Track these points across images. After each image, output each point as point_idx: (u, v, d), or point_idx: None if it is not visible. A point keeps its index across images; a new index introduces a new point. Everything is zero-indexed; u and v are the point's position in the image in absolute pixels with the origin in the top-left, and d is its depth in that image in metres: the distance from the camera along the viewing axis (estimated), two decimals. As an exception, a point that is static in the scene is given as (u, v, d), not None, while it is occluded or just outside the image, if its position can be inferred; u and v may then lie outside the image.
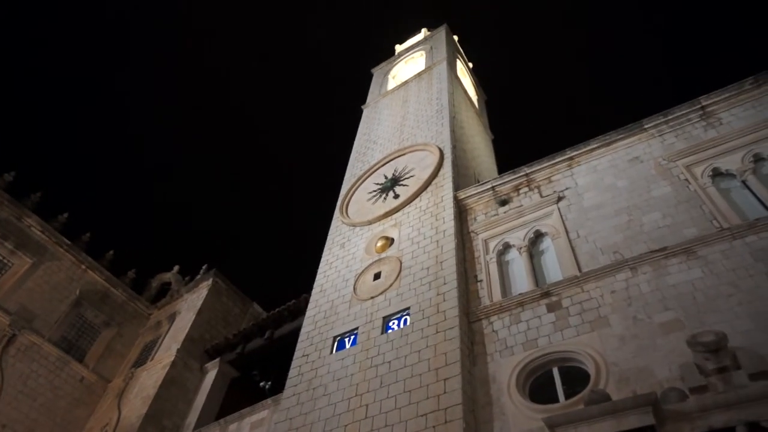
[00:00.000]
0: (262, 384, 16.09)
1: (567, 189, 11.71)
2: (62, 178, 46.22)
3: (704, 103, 10.82)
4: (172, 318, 18.36)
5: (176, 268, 21.03)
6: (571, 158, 12.14)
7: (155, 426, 14.36)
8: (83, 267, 18.74)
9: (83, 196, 45.70)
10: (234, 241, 54.29)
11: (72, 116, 51.72)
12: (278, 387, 14.81)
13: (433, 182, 14.24)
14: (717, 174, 9.88)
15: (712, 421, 6.37)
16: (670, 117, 11.10)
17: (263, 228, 58.24)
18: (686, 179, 9.99)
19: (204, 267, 19.74)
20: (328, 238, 15.30)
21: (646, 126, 11.33)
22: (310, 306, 13.22)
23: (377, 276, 12.53)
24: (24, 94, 48.53)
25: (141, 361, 17.43)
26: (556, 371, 8.71)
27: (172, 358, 15.83)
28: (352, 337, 11.52)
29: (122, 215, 49.04)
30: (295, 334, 14.58)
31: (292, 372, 11.54)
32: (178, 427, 14.71)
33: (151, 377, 15.86)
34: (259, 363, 16.20)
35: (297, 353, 11.98)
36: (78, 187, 47.28)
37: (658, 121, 11.19)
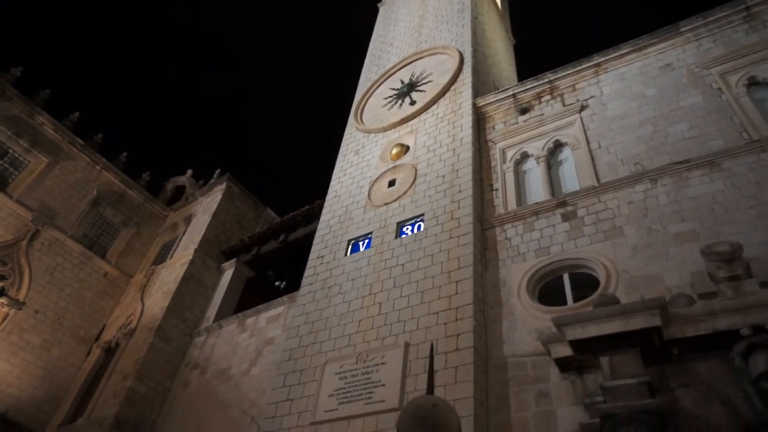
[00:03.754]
0: (276, 284, 16.74)
1: (591, 98, 11.30)
2: (71, 76, 45.32)
3: (749, 3, 10.09)
4: (188, 220, 18.77)
5: (190, 171, 21.16)
6: (598, 64, 11.60)
7: (177, 317, 15.18)
8: (98, 167, 18.91)
9: (93, 96, 45.04)
10: (247, 147, 54.11)
11: (80, 11, 49.65)
12: (292, 287, 15.43)
13: (452, 88, 13.79)
14: (753, 83, 9.42)
15: (717, 324, 6.55)
16: (710, 19, 10.40)
17: (276, 134, 57.78)
18: (719, 88, 9.56)
19: (218, 171, 19.84)
20: (342, 144, 15.16)
21: (683, 29, 10.67)
22: (324, 211, 13.38)
23: (392, 183, 12.54)
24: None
25: (160, 259, 18.08)
26: (566, 277, 8.92)
27: (191, 257, 16.39)
28: (366, 240, 11.76)
29: (134, 117, 48.57)
30: (308, 238, 14.94)
31: (308, 272, 11.92)
32: (198, 320, 15.54)
33: (171, 274, 16.52)
34: (273, 264, 16.75)
35: (312, 255, 12.31)
36: (88, 87, 46.47)
37: (697, 23, 10.51)
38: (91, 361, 15.82)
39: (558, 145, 11.17)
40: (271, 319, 13.66)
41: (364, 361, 9.16)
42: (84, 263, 17.34)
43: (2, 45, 17.46)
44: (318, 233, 12.84)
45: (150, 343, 14.38)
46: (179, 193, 20.84)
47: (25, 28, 44.56)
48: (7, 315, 15.07)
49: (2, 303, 15.05)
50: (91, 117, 24.73)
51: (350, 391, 8.93)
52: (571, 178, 10.45)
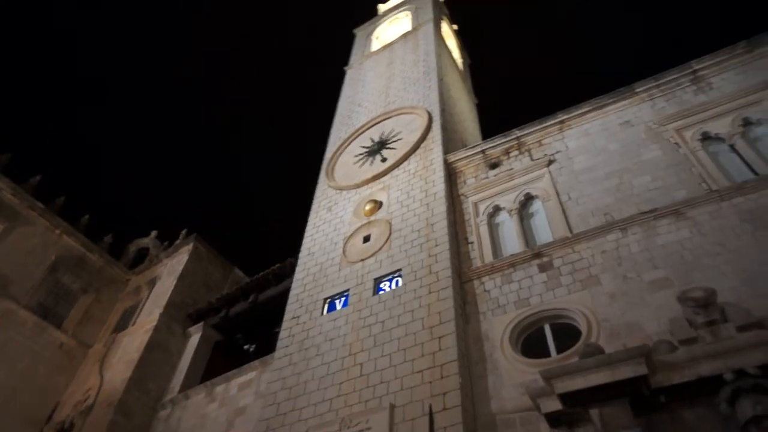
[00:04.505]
0: (246, 347, 16.07)
1: (558, 152, 11.78)
2: (33, 139, 44.20)
3: (696, 67, 10.95)
4: (152, 283, 18.05)
5: (154, 233, 20.56)
6: (562, 122, 12.18)
7: (140, 389, 14.26)
8: (58, 231, 18.15)
9: (55, 159, 43.93)
10: (213, 206, 53.37)
11: (42, 77, 49.25)
12: (263, 350, 14.85)
13: (422, 145, 14.15)
14: (706, 138, 10.08)
15: (700, 369, 6.63)
16: (661, 81, 11.20)
17: (244, 193, 57.34)
18: (676, 143, 10.16)
19: (183, 232, 19.37)
20: (314, 201, 15.15)
21: (637, 90, 11.42)
22: (298, 269, 13.15)
23: (367, 239, 12.51)
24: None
25: (121, 326, 17.15)
26: (547, 328, 8.94)
27: (155, 323, 15.63)
28: (343, 298, 11.54)
29: (96, 179, 47.38)
30: (279, 297, 14.60)
31: (283, 333, 11.53)
32: (162, 390, 14.63)
33: (133, 342, 15.66)
34: (242, 326, 16.14)
35: (287, 315, 11.96)
36: (49, 150, 45.35)
37: (650, 85, 11.28)
38: (44, 443, 14.52)
39: (529, 198, 11.48)
40: (243, 386, 13.00)
41: (348, 428, 8.75)
42: (38, 335, 16.24)
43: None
44: (292, 292, 12.54)
45: (110, 420, 13.38)
46: (143, 255, 20.12)
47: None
48: (-51, 395, 13.83)
49: (-55, 381, 13.83)
50: (52, 180, 23.92)
51: (333, 460, 8.46)
52: (544, 230, 10.68)
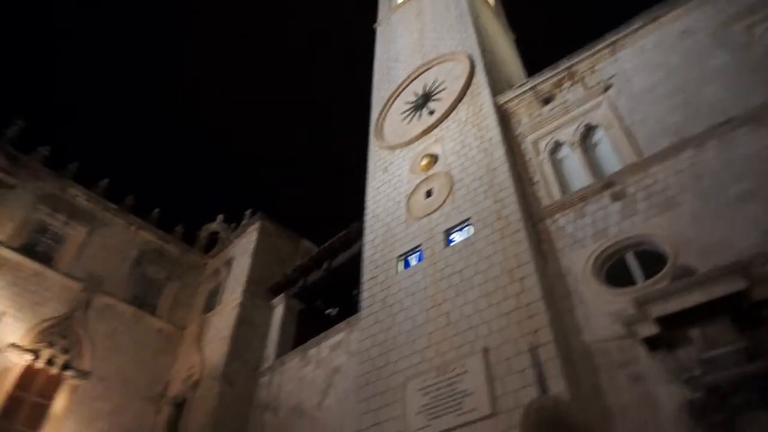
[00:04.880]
0: (328, 311, 16.88)
1: (613, 76, 11.37)
2: (97, 145, 46.14)
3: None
4: (228, 264, 19.06)
5: (220, 217, 21.53)
6: (613, 43, 11.68)
7: (238, 361, 15.39)
8: (134, 228, 19.33)
9: (119, 161, 46.00)
10: (272, 184, 54.52)
11: (99, 81, 50.76)
12: (344, 312, 15.59)
13: (468, 92, 13.95)
14: (779, 34, 9.46)
15: (802, 277, 6.56)
16: (719, -20, 10.47)
17: (297, 166, 58.16)
18: (746, 43, 9.60)
19: (248, 212, 20.15)
20: (369, 165, 15.34)
21: (694, -6, 10.74)
22: (366, 232, 13.53)
23: (429, 193, 12.67)
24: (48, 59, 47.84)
25: (209, 307, 18.36)
26: (630, 256, 8.95)
27: (239, 300, 16.64)
28: (416, 254, 11.87)
29: (159, 174, 48.99)
30: (351, 261, 15.17)
31: (364, 295, 12.04)
32: (259, 360, 15.72)
33: (223, 320, 16.77)
34: (321, 293, 16.91)
35: (365, 277, 12.44)
36: (113, 153, 47.36)
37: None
38: (163, 419, 16.05)
39: (590, 128, 11.24)
40: (333, 347, 13.78)
41: (445, 374, 9.22)
42: (137, 323, 17.67)
43: (28, 127, 17.89)
44: (365, 255, 12.98)
45: (217, 391, 14.58)
46: (214, 239, 21.19)
47: (46, 108, 45.78)
48: (76, 387, 15.38)
49: (70, 376, 15.37)
50: (119, 181, 25.26)
51: (438, 406, 8.99)
52: (611, 158, 10.50)
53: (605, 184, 9.89)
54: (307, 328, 16.07)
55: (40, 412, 14.70)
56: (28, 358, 14.93)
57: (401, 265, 11.95)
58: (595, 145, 11.09)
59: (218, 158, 54.80)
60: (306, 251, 18.89)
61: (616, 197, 9.66)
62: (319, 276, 16.53)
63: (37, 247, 17.08)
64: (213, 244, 21.10)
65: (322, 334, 14.32)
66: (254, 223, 19.01)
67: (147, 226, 19.61)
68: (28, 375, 14.87)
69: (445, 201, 12.08)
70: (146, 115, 54.39)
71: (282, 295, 16.89)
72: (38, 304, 15.91)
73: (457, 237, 11.37)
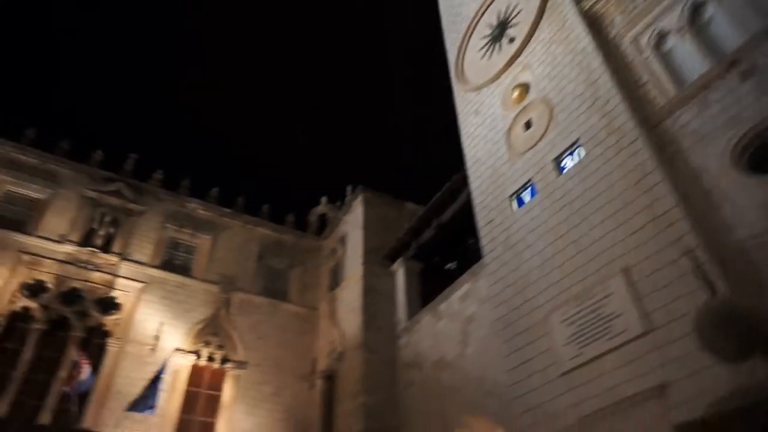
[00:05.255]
0: (447, 266, 16.99)
1: (714, -60, 9.95)
2: (201, 157, 49.69)
3: None
4: (342, 241, 19.80)
5: (324, 199, 22.42)
6: None
7: (374, 329, 16.07)
8: (250, 226, 20.68)
9: (223, 167, 49.48)
10: (366, 156, 55.56)
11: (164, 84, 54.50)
12: (464, 263, 15.58)
13: (547, 7, 12.98)
14: None
15: None
16: None
17: (389, 134, 58.62)
18: None
19: (349, 188, 20.70)
20: (459, 111, 14.99)
21: None
22: (471, 179, 13.31)
23: (528, 125, 12.12)
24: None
25: (334, 284, 19.29)
26: (775, 136, 7.94)
27: (361, 272, 17.28)
28: (529, 189, 11.50)
29: (258, 170, 51.71)
30: (460, 212, 15.07)
31: (484, 240, 11.93)
32: (393, 324, 16.29)
33: (350, 293, 17.54)
34: (436, 250, 17.01)
35: (480, 223, 12.30)
36: (217, 161, 50.89)
37: None
38: (318, 392, 17.30)
39: (697, 6, 9.98)
40: (462, 298, 13.87)
41: (588, 300, 8.93)
42: (274, 311, 19.05)
43: (142, 154, 19.75)
44: (476, 202, 12.80)
45: (361, 359, 15.36)
46: (323, 221, 22.11)
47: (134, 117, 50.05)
48: (237, 377, 16.99)
49: (230, 368, 17.01)
50: (227, 186, 27.14)
51: (585, 333, 8.76)
52: (731, 33, 9.28)
53: (729, 63, 8.79)
54: (430, 286, 16.31)
55: (213, 402, 16.48)
56: (191, 358, 16.71)
57: (515, 204, 11.64)
58: (708, 23, 9.84)
59: (309, 142, 56.63)
60: (411, 213, 19.04)
61: (744, 76, 8.56)
62: (430, 234, 16.62)
63: (175, 261, 18.87)
64: (323, 226, 22.03)
65: (448, 289, 14.46)
66: (357, 197, 19.49)
67: (262, 222, 20.91)
68: (196, 372, 16.68)
69: (547, 129, 11.50)
70: (228, 115, 57.26)
71: (399, 259, 17.24)
72: (188, 311, 17.66)
73: (568, 163, 10.82)
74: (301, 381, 17.81)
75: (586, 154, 10.28)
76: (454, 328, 13.70)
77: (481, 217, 12.32)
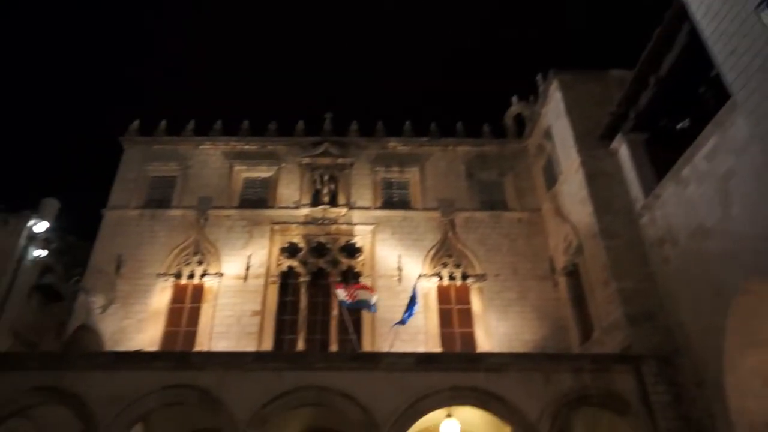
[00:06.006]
0: (678, 126, 14.66)
1: None
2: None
3: None
4: (547, 135, 18.63)
5: (514, 98, 21.31)
6: None
7: (609, 213, 14.93)
8: (450, 148, 20.84)
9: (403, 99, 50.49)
10: (543, 37, 51.30)
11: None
12: (698, 117, 13.23)
13: None
14: None
15: None
16: None
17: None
18: None
19: (539, 77, 19.17)
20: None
21: None
22: (693, 6, 10.93)
23: None
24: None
25: (551, 181, 18.41)
26: None
27: (579, 160, 16.04)
28: (780, -9, 8.97)
29: (435, 93, 51.52)
30: (682, 58, 12.81)
31: (730, 76, 9.80)
32: (629, 204, 14.89)
33: (572, 185, 16.53)
34: (660, 112, 14.77)
35: (719, 57, 10.10)
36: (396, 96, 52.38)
37: None
38: (563, 289, 17.04)
39: None
40: (709, 156, 11.87)
41: None
42: (497, 223, 19.12)
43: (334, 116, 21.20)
44: (705, 35, 10.52)
45: (603, 247, 14.48)
46: (520, 121, 21.09)
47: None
48: (481, 289, 17.69)
49: (471, 282, 17.81)
50: (419, 116, 27.56)
51: None
52: None
53: None
54: (662, 154, 14.32)
55: (466, 314, 17.49)
56: (435, 280, 17.89)
57: (765, 16, 9.23)
58: None
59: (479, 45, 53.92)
60: (619, 81, 16.73)
61: None
62: (649, 96, 14.44)
63: (393, 199, 20.13)
64: (522, 126, 21.01)
65: (688, 150, 12.51)
66: (552, 83, 17.89)
67: (460, 141, 20.95)
68: (443, 292, 17.89)
69: None
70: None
71: (618, 135, 15.46)
72: (418, 240, 18.80)
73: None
74: (542, 282, 17.72)
75: None
76: (708, 190, 11.86)
77: (718, 49, 10.11)
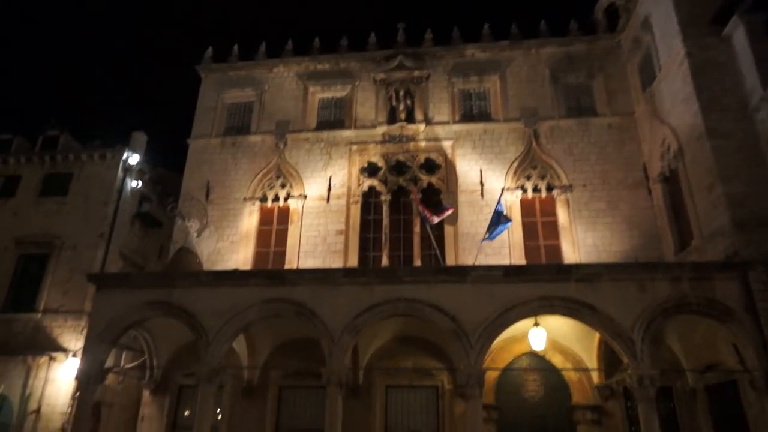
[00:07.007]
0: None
1: None
2: None
3: None
4: (645, 26, 16.59)
5: (603, -14, 19.03)
6: None
7: (717, 111, 13.30)
8: (533, 50, 19.26)
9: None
10: None
11: None
12: None
13: None
14: None
15: None
16: None
17: None
18: None
19: (635, -42, 16.90)
20: None
21: None
22: None
23: None
24: None
25: (648, 79, 16.65)
26: None
27: (683, 51, 14.20)
28: None
29: None
30: None
31: None
32: (742, 98, 13.20)
33: (675, 81, 14.78)
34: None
35: None
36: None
37: None
38: (658, 197, 15.89)
39: None
40: None
41: None
42: (585, 130, 17.80)
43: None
44: None
45: (710, 147, 13.10)
46: (613, 13, 18.92)
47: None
48: (567, 200, 16.88)
49: (557, 194, 17.03)
50: (497, 19, 25.70)
51: None
52: None
53: None
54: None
55: (551, 227, 16.90)
56: (518, 193, 17.27)
57: None
58: None
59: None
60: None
61: None
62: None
63: (473, 111, 19.21)
64: (614, 18, 18.87)
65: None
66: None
67: (544, 42, 19.21)
68: (527, 204, 17.30)
69: None
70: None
71: (733, 17, 13.45)
72: (500, 153, 18.04)
73: None
74: (634, 190, 16.55)
75: None
76: None
77: None
